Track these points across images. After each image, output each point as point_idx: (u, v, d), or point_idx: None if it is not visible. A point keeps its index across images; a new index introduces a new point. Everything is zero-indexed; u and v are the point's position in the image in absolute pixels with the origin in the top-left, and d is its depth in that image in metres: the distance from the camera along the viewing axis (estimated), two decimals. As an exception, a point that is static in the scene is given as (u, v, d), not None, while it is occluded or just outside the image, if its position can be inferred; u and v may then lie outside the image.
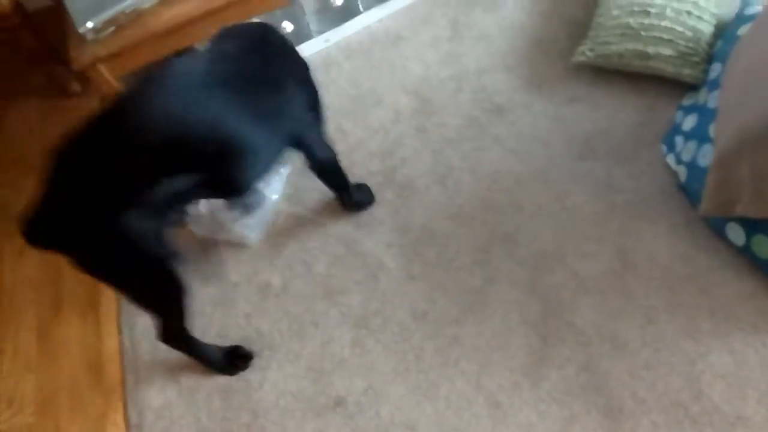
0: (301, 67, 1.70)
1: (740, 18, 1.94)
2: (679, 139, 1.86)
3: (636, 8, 2.06)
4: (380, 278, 1.86)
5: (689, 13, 2.00)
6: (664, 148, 1.91)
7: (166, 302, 1.55)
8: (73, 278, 2.05)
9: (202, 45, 1.59)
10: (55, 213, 1.32)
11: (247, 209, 1.97)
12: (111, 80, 2.12)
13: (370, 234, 1.96)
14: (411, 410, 1.62)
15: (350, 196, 1.98)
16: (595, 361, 1.60)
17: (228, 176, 1.49)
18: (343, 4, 2.43)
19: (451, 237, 1.90)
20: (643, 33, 2.02)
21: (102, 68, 2.07)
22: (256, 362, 1.77)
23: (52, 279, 2.09)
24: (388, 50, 2.46)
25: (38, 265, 2.13)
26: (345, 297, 1.85)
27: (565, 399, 1.56)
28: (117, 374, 1.84)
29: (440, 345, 1.70)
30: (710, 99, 1.83)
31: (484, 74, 2.29)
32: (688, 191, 1.78)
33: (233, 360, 1.77)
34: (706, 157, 1.70)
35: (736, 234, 1.65)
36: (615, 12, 2.10)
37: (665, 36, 1.99)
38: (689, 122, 1.86)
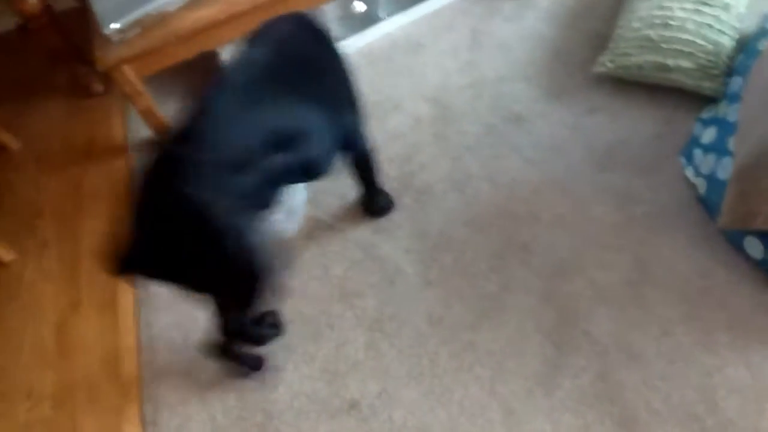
0: (342, 57, 1.74)
1: (762, 32, 1.94)
2: (697, 152, 1.86)
3: (657, 21, 2.06)
4: (397, 283, 1.87)
5: (710, 26, 2.00)
6: (683, 160, 1.91)
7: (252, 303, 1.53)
8: (91, 274, 2.08)
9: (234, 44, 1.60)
10: (158, 245, 1.31)
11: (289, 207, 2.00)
12: (134, 81, 2.15)
13: (388, 239, 1.97)
14: (424, 415, 1.63)
15: (376, 196, 1.99)
16: (610, 371, 1.60)
17: (310, 159, 1.55)
18: (365, 11, 2.45)
19: (467, 243, 1.91)
20: (663, 45, 2.03)
21: (126, 69, 2.10)
22: (271, 362, 1.79)
23: (72, 275, 2.11)
24: (409, 57, 2.48)
25: (58, 261, 2.16)
26: (361, 300, 1.86)
27: (579, 408, 1.56)
28: (134, 370, 1.85)
29: (455, 350, 1.71)
30: (730, 112, 1.83)
31: (503, 83, 2.30)
32: (707, 204, 1.78)
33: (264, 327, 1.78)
34: (726, 170, 1.70)
35: (754, 247, 1.65)
36: (636, 24, 2.11)
37: (686, 49, 2.00)
38: (708, 135, 1.86)
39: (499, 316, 1.75)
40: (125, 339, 1.92)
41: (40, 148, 2.54)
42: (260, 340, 1.80)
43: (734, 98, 1.85)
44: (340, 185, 2.03)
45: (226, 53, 2.33)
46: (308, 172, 1.60)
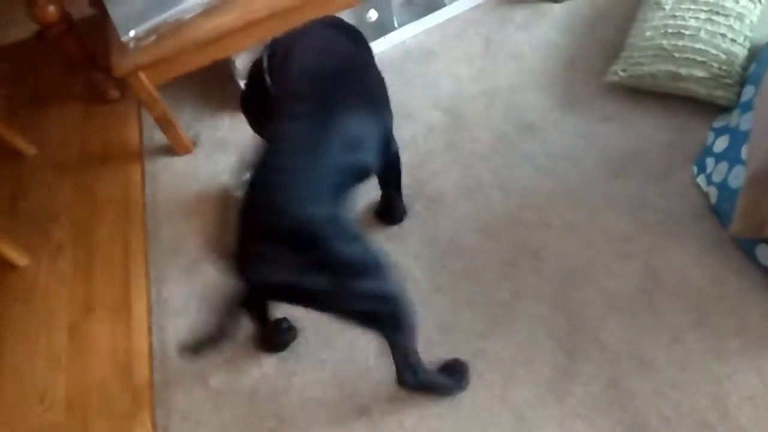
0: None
1: (775, 42, 1.94)
2: (710, 161, 1.86)
3: (670, 30, 2.06)
4: (407, 289, 1.86)
5: (723, 35, 2.00)
6: (695, 168, 1.91)
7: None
8: (105, 279, 2.10)
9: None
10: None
11: None
12: (150, 88, 2.17)
13: (399, 245, 1.97)
14: (434, 421, 1.63)
15: (398, 200, 1.99)
16: (620, 378, 1.60)
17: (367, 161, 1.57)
18: (378, 19, 2.46)
19: (478, 251, 1.92)
20: (676, 54, 2.03)
21: (142, 76, 2.12)
22: (282, 368, 1.79)
23: (85, 279, 2.13)
24: (421, 65, 2.49)
25: (72, 265, 2.18)
26: (372, 306, 1.86)
27: (590, 415, 1.56)
28: (146, 375, 1.87)
29: (465, 357, 1.70)
30: (742, 121, 1.83)
31: (515, 92, 2.31)
32: (719, 212, 1.78)
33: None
34: (738, 178, 1.70)
35: (766, 255, 1.64)
36: (648, 33, 2.11)
37: (699, 58, 2.00)
38: (720, 144, 1.86)
39: (510, 323, 1.75)
40: (138, 343, 1.94)
41: (55, 153, 2.57)
42: (280, 346, 1.83)
43: (747, 107, 1.85)
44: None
45: (241, 60, 2.34)
46: (363, 175, 1.60)
